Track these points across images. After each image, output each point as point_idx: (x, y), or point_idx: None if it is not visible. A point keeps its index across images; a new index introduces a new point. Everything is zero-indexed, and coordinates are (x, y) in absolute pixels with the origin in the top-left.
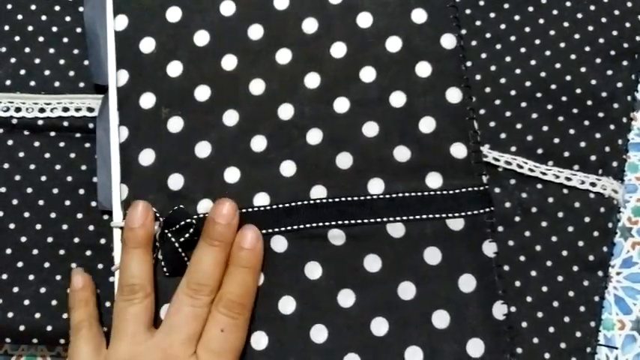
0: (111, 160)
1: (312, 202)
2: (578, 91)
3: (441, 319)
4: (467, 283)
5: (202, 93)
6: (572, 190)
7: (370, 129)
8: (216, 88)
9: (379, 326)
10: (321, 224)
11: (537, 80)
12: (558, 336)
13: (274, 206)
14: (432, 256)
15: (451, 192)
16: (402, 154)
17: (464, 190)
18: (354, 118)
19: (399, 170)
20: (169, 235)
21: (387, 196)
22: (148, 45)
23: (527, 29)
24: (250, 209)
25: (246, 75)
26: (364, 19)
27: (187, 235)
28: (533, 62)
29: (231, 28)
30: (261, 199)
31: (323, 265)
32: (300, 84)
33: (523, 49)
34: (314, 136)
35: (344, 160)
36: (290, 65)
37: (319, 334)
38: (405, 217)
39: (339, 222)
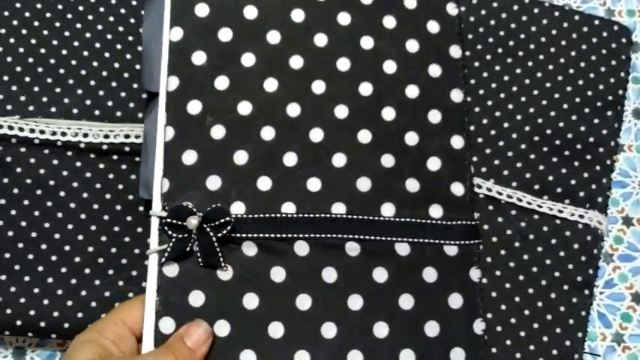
0: (155, 156)
1: (333, 215)
2: (570, 135)
3: (432, 328)
4: (455, 300)
5: (244, 108)
6: (563, 221)
7: (387, 160)
8: (257, 105)
9: (381, 329)
10: (340, 236)
11: (535, 125)
12: (550, 344)
13: (299, 215)
14: (430, 274)
15: (449, 223)
16: (412, 185)
17: (459, 222)
18: (374, 149)
19: (408, 199)
20: (208, 229)
21: (397, 219)
22: (199, 58)
23: (527, 81)
24: (278, 215)
25: (285, 98)
26: (389, 66)
27: (225, 231)
28: (531, 110)
29: (275, 55)
30: (288, 208)
31: (338, 271)
32: (331, 113)
33: (523, 98)
34: (339, 160)
35: (363, 184)
36: (323, 95)
37: (330, 330)
38: (410, 239)
39: (355, 236)
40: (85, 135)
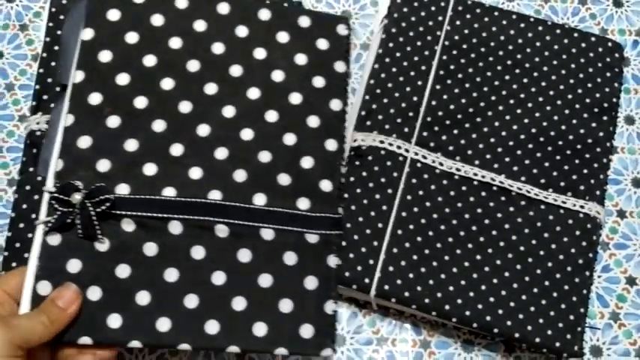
0: (56, 139)
1: (208, 201)
2: (570, 137)
3: (286, 305)
4: (311, 282)
5: (140, 102)
6: (566, 210)
7: (265, 156)
8: (153, 100)
9: (239, 303)
10: (211, 219)
11: (540, 128)
12: (557, 318)
13: (178, 198)
14: (290, 258)
15: (314, 214)
16: (284, 180)
17: (324, 215)
18: (254, 146)
19: (280, 191)
20: (89, 205)
21: (267, 208)
22: (105, 56)
23: (533, 89)
24: (157, 197)
25: (178, 96)
26: (278, 75)
27: (104, 207)
28: (537, 114)
29: (175, 59)
30: (169, 192)
31: (206, 250)
32: (219, 112)
33: (530, 104)
34: (221, 153)
35: (240, 175)
36: (214, 96)
37: (192, 301)
38: (275, 226)
39: (225, 220)
40: None
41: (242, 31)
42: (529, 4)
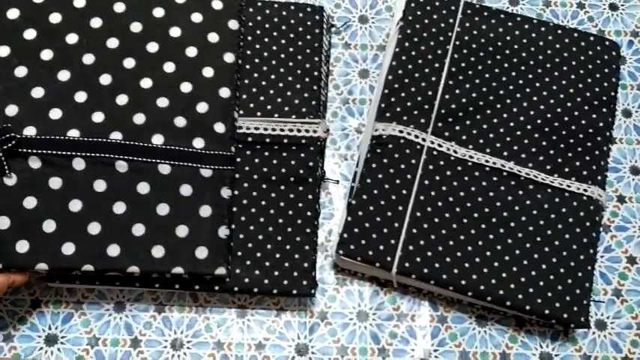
0: None
1: (109, 140)
2: (573, 127)
3: (182, 231)
4: (205, 210)
5: (46, 54)
6: (571, 194)
7: (163, 102)
8: (58, 53)
9: (138, 229)
10: (112, 156)
11: (545, 119)
12: (564, 292)
13: (81, 138)
14: (186, 190)
15: (208, 152)
16: (180, 122)
17: (217, 152)
18: (153, 93)
19: (176, 132)
20: None
21: (164, 147)
22: (13, 13)
23: (537, 84)
24: (62, 137)
25: (83, 49)
26: (175, 32)
27: (10, 145)
28: (542, 107)
29: (79, 17)
30: (74, 133)
31: (107, 183)
32: (121, 63)
33: (535, 98)
34: (121, 99)
35: (139, 118)
36: (116, 50)
37: (95, 228)
38: (172, 162)
39: (125, 157)
40: None
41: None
42: (532, 8)
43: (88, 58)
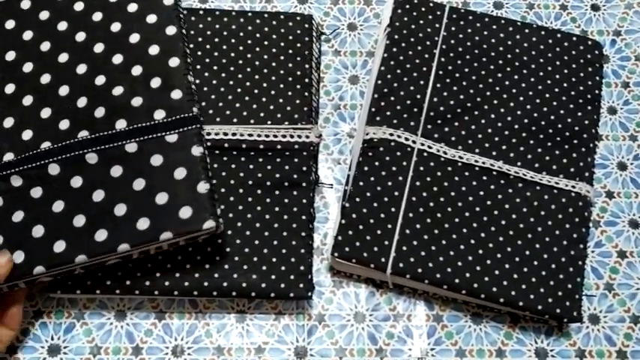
0: None
1: (77, 139)
2: (559, 125)
3: (162, 197)
4: (179, 172)
5: (9, 88)
6: (559, 190)
7: (118, 90)
8: (18, 83)
9: (119, 209)
10: (80, 152)
11: (532, 118)
12: (556, 287)
13: (53, 146)
14: (156, 160)
15: (170, 119)
16: (137, 102)
17: (178, 117)
18: (108, 86)
19: (136, 112)
20: None
21: (128, 128)
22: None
23: (523, 85)
24: (36, 150)
25: (38, 73)
26: (115, 26)
27: None
28: (528, 106)
29: (29, 47)
30: (46, 145)
31: (83, 177)
32: (74, 71)
33: (521, 98)
34: (82, 102)
35: (100, 112)
36: (67, 62)
37: (80, 220)
38: (137, 139)
39: (94, 148)
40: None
41: (79, 6)
42: (516, 11)
43: (45, 78)
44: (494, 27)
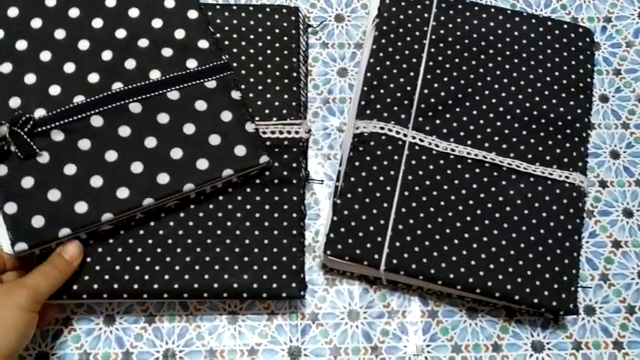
0: None
1: (113, 91)
2: (552, 115)
3: (215, 139)
4: (226, 115)
5: (20, 45)
6: (553, 181)
7: (144, 42)
8: (31, 39)
9: (175, 153)
10: (122, 102)
11: (524, 108)
12: (551, 279)
13: (89, 99)
14: (201, 105)
15: (204, 67)
16: (167, 52)
17: (211, 64)
18: (132, 39)
19: (168, 62)
20: (17, 129)
21: (163, 77)
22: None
23: (515, 74)
24: (71, 105)
25: (49, 29)
26: (133, 12)
27: (29, 126)
28: (520, 96)
29: (55, 12)
30: (79, 99)
31: (130, 126)
32: (91, 26)
33: (513, 88)
34: (106, 55)
35: (130, 64)
36: (80, 17)
37: (137, 167)
38: (176, 87)
39: (135, 98)
40: None
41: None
42: None
43: (60, 34)
44: (484, 16)
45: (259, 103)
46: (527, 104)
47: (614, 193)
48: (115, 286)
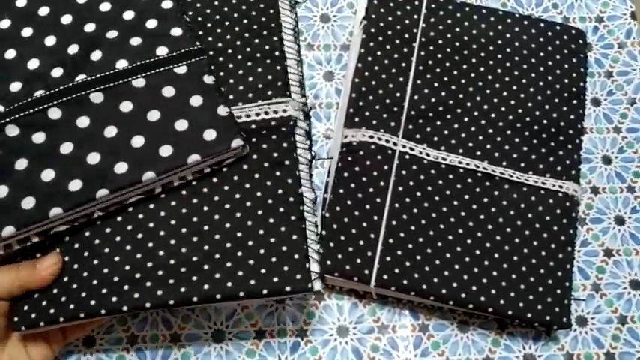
0: None
1: (76, 82)
2: (545, 122)
3: (181, 125)
4: (196, 100)
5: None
6: (546, 191)
7: (112, 34)
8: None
9: (138, 141)
10: (82, 93)
11: (516, 114)
12: (545, 293)
13: (47, 92)
14: (168, 91)
15: (174, 54)
16: (136, 42)
17: (183, 50)
18: (101, 32)
19: (136, 51)
20: None
21: (130, 66)
22: None
23: (507, 79)
24: (29, 99)
25: (18, 26)
26: (105, 6)
27: None
28: (512, 102)
29: (24, 11)
30: (40, 93)
31: (89, 117)
32: (63, 27)
33: (505, 93)
34: (73, 49)
35: (96, 55)
36: (49, 14)
37: (94, 158)
38: (143, 74)
39: (99, 87)
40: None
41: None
42: None
43: (27, 32)
44: (475, 17)
45: (241, 87)
46: (520, 110)
47: (606, 199)
48: (92, 302)
